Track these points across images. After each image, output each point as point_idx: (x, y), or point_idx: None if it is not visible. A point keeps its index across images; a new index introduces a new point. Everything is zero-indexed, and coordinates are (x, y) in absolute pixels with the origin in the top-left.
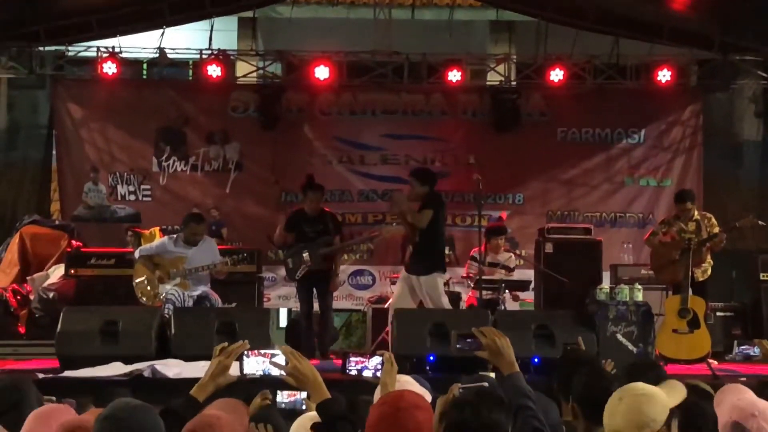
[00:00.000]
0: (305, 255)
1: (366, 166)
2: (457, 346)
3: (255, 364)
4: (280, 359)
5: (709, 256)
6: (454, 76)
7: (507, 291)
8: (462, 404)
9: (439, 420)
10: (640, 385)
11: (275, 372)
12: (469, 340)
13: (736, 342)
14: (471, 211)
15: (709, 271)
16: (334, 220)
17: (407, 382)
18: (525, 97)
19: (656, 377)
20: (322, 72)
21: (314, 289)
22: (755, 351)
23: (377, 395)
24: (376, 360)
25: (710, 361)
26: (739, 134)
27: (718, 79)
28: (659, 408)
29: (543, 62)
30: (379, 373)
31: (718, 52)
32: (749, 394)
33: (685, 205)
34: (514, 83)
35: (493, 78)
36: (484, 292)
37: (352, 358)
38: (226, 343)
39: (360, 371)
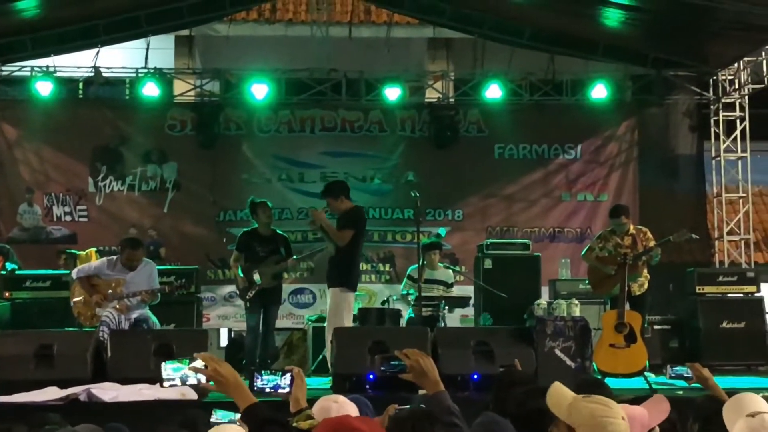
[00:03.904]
0: (255, 276)
1: (305, 184)
2: (381, 368)
3: (173, 372)
4: (199, 364)
5: (645, 270)
6: (393, 93)
7: (446, 308)
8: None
9: None
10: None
11: (195, 379)
12: (393, 363)
13: (668, 366)
14: (411, 228)
15: (646, 285)
16: (286, 241)
17: (345, 403)
18: (463, 113)
19: (602, 396)
20: (260, 90)
21: (262, 308)
22: (688, 373)
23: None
24: (287, 377)
25: (647, 374)
26: (674, 148)
27: (653, 94)
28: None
29: (480, 79)
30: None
31: (651, 68)
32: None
33: (620, 220)
34: (452, 100)
35: (431, 95)
36: (423, 309)
37: (264, 376)
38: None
39: (274, 389)
